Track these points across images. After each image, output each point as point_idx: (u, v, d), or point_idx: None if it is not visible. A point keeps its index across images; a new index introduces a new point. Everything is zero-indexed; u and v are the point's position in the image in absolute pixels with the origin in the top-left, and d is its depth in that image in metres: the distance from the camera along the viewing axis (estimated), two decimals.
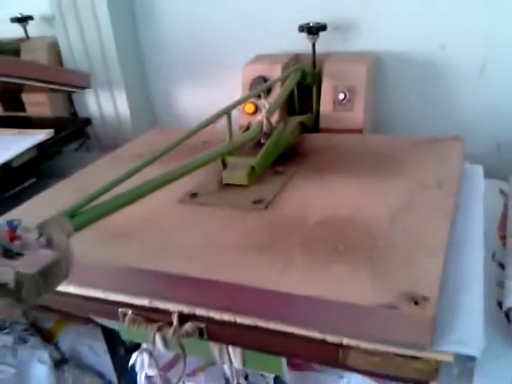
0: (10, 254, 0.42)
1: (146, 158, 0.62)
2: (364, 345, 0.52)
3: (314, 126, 1.03)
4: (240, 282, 0.57)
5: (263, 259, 0.61)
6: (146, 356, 0.82)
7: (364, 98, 0.98)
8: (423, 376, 0.51)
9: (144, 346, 0.79)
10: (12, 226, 0.43)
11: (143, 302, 0.65)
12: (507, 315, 0.63)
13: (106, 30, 1.27)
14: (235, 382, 0.83)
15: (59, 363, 1.25)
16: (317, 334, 0.55)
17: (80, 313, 0.73)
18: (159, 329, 0.63)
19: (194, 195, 0.78)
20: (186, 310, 0.62)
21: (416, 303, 0.49)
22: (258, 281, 0.57)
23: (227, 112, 0.75)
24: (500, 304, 0.65)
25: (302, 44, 1.09)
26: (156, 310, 0.64)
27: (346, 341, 0.53)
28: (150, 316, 0.64)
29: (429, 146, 0.85)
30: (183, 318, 0.62)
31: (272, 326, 0.57)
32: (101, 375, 1.25)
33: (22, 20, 1.40)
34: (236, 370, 0.83)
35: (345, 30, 1.09)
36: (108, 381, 1.24)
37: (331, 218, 0.68)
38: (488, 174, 0.90)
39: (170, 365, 0.86)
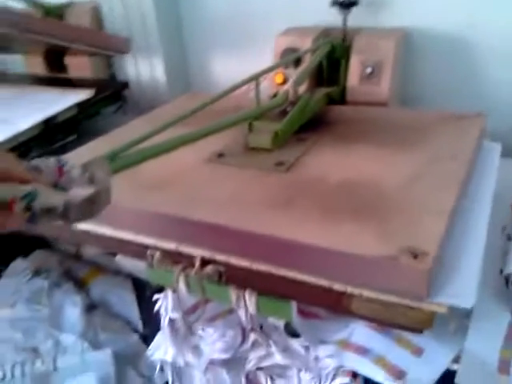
0: (58, 187, 0.49)
1: (176, 117, 0.68)
2: (366, 293, 0.58)
3: (340, 98, 1.07)
4: (257, 231, 0.63)
5: (280, 213, 0.66)
6: (170, 299, 0.90)
7: (390, 73, 1.01)
8: (418, 325, 0.56)
9: (169, 290, 0.86)
10: (60, 164, 0.50)
11: (170, 245, 0.71)
12: (507, 280, 0.67)
13: None
14: (249, 328, 0.90)
15: (89, 308, 1.36)
16: (324, 282, 0.60)
17: (118, 251, 0.80)
18: (183, 270, 0.69)
19: (220, 155, 0.84)
20: (207, 254, 0.68)
21: (415, 257, 0.54)
22: (273, 231, 0.62)
23: (255, 78, 0.80)
24: (501, 271, 0.69)
25: (333, 18, 1.11)
26: (181, 254, 0.71)
27: (350, 289, 0.59)
28: (176, 259, 0.71)
29: (450, 121, 0.88)
30: (205, 262, 0.68)
31: (284, 272, 0.63)
32: (128, 322, 1.35)
33: None
34: (252, 319, 0.90)
35: (376, 5, 1.11)
36: (134, 327, 1.33)
37: (348, 181, 0.72)
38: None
39: (192, 309, 0.93)
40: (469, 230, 0.65)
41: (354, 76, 1.05)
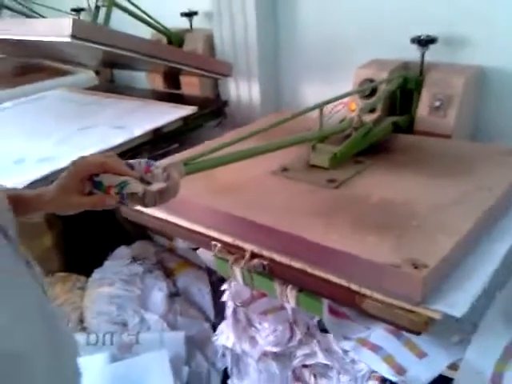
0: (143, 180, 0.66)
1: (244, 132, 0.83)
2: (375, 295, 0.68)
3: (408, 128, 1.15)
4: (297, 233, 0.76)
5: (319, 222, 0.79)
6: (232, 289, 1.05)
7: (458, 107, 1.08)
8: (415, 327, 0.65)
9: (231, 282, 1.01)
10: (148, 164, 0.68)
11: (228, 239, 0.86)
12: None
13: (251, 29, 1.50)
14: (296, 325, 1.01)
15: (173, 295, 1.56)
16: (344, 282, 0.71)
17: (187, 239, 0.97)
18: (235, 260, 0.84)
19: (284, 170, 0.98)
20: (256, 249, 0.83)
21: (416, 267, 0.63)
22: (309, 235, 0.75)
23: (320, 106, 0.93)
24: None
25: (414, 53, 1.20)
26: (236, 247, 0.85)
27: (363, 290, 0.69)
28: (232, 250, 0.85)
29: (501, 157, 0.93)
30: (253, 256, 0.82)
31: (314, 271, 0.75)
32: (203, 311, 1.53)
33: (189, 15, 1.70)
34: (298, 317, 1.01)
35: (454, 43, 1.18)
36: (207, 317, 1.50)
37: (385, 200, 0.83)
38: None
39: (249, 301, 1.07)
40: (484, 255, 0.72)
41: (423, 108, 1.13)
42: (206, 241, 0.90)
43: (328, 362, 0.97)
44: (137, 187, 0.62)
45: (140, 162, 0.67)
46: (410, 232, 0.72)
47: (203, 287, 1.56)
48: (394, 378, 0.71)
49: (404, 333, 0.74)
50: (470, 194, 0.81)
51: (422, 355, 0.71)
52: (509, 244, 0.74)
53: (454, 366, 0.70)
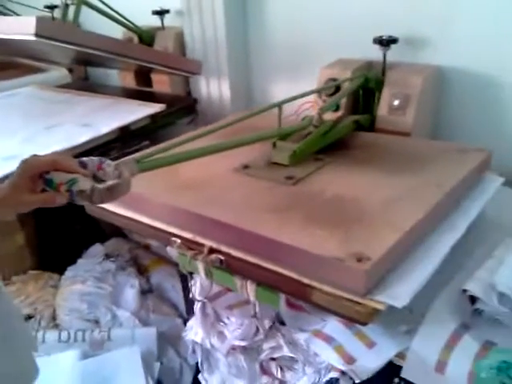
0: (96, 178, 0.68)
1: (202, 130, 0.85)
2: (325, 287, 0.70)
3: (370, 126, 1.18)
4: (252, 230, 0.78)
5: (274, 218, 0.81)
6: (197, 285, 1.07)
7: (416, 106, 1.11)
8: (361, 318, 0.67)
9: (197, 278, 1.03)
10: (101, 161, 0.69)
11: (188, 235, 0.88)
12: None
13: (221, 27, 1.52)
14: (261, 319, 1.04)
15: (146, 292, 1.57)
16: (296, 276, 0.74)
17: (148, 236, 0.99)
18: (194, 255, 0.86)
19: (246, 167, 1.00)
20: (214, 245, 0.85)
21: (359, 260, 0.66)
22: (263, 231, 0.77)
23: (279, 105, 0.95)
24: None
25: (377, 53, 1.23)
26: (196, 243, 0.87)
27: (313, 283, 0.71)
28: (192, 246, 0.87)
29: (453, 153, 0.97)
30: (212, 251, 0.84)
31: (268, 265, 0.77)
32: (175, 307, 1.54)
33: (161, 13, 1.70)
34: (263, 312, 1.03)
35: (414, 44, 1.21)
36: (180, 312, 1.52)
37: (338, 196, 0.85)
38: None
39: (215, 296, 1.09)
40: (431, 248, 0.75)
41: (383, 106, 1.16)
42: (166, 237, 0.92)
43: (293, 355, 1.00)
44: (85, 184, 0.63)
45: (92, 160, 0.68)
46: (356, 226, 0.75)
47: (176, 284, 1.58)
48: (343, 368, 0.74)
49: (356, 324, 0.76)
50: (420, 189, 0.84)
51: (371, 345, 0.74)
52: (455, 238, 0.78)
53: (401, 355, 0.73)
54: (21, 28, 1.10)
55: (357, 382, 0.73)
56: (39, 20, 1.08)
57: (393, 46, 1.20)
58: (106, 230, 1.75)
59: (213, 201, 0.89)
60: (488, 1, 1.11)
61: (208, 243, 0.85)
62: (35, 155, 0.65)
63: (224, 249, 0.83)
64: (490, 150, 0.99)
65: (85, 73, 2.16)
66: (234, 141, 0.89)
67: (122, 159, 0.73)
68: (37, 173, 0.63)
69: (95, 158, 0.70)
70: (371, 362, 0.72)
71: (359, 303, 0.67)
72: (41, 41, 1.10)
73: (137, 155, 0.78)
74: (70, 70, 2.04)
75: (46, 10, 2.07)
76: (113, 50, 1.28)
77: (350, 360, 0.73)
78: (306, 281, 0.72)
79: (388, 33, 1.21)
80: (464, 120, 1.22)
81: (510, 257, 0.78)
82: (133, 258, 1.71)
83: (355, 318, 0.68)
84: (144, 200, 0.91)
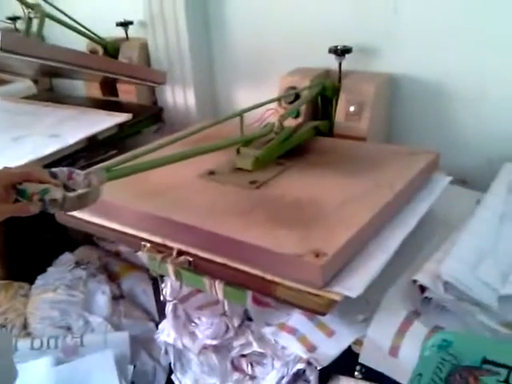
0: (66, 187, 0.72)
1: (168, 138, 0.90)
2: (287, 283, 0.76)
3: (329, 131, 1.25)
4: (218, 231, 0.83)
5: (239, 220, 0.86)
6: (168, 287, 1.11)
7: (370, 112, 1.19)
8: (321, 308, 0.73)
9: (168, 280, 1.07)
10: (70, 171, 0.73)
11: (157, 239, 0.93)
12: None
13: (184, 37, 1.57)
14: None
15: (117, 297, 1.59)
16: (260, 273, 0.79)
17: (118, 241, 1.02)
18: (163, 258, 0.90)
19: (211, 173, 1.05)
20: (183, 248, 0.89)
21: (317, 256, 0.72)
22: (228, 232, 0.82)
23: (240, 114, 1.01)
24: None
25: (333, 62, 1.30)
26: (165, 246, 0.92)
27: (275, 279, 0.77)
28: (161, 249, 0.92)
29: (404, 156, 1.04)
30: (180, 253, 0.89)
31: (235, 264, 0.82)
32: (147, 311, 1.57)
33: (125, 24, 1.74)
34: (233, 310, 1.08)
35: (367, 53, 1.29)
36: (152, 317, 1.55)
37: (298, 199, 0.91)
38: (479, 186, 1.09)
39: (186, 297, 1.13)
40: (383, 244, 0.82)
41: (340, 113, 1.24)
42: (136, 242, 0.96)
43: (262, 350, 1.05)
44: (56, 194, 0.67)
45: (62, 170, 0.73)
46: (314, 225, 0.81)
47: (147, 288, 1.61)
48: (305, 356, 0.80)
49: (317, 316, 0.82)
50: (372, 190, 0.91)
51: (330, 334, 0.81)
52: (405, 233, 0.85)
53: (358, 342, 0.79)
54: None
55: (319, 368, 0.79)
56: (4, 35, 1.11)
57: (347, 56, 1.27)
58: (76, 238, 1.77)
59: (180, 205, 0.94)
60: (433, 13, 1.19)
61: (176, 246, 0.90)
62: (6, 167, 0.69)
63: (192, 251, 0.88)
64: (438, 152, 1.07)
65: (50, 84, 2.17)
66: (200, 148, 0.94)
67: (91, 168, 0.78)
68: (9, 184, 0.67)
69: (65, 169, 0.75)
70: (331, 349, 0.78)
71: (318, 295, 0.73)
72: (5, 55, 1.13)
73: (105, 164, 0.82)
74: (35, 81, 2.04)
75: (8, 21, 2.08)
76: (78, 62, 1.31)
77: (311, 348, 0.80)
78: (269, 277, 0.78)
79: (343, 43, 1.28)
80: (415, 125, 1.31)
81: (455, 249, 0.85)
82: (103, 265, 1.73)
83: (315, 309, 0.74)
84: (113, 207, 0.95)
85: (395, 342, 0.76)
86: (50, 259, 1.65)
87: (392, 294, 0.83)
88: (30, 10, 1.44)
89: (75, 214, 1.03)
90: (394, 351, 0.75)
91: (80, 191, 0.70)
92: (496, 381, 0.51)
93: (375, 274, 0.75)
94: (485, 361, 0.55)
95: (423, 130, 1.30)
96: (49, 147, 1.28)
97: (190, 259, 0.87)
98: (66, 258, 1.70)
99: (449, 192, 1.06)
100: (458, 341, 0.59)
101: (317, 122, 1.24)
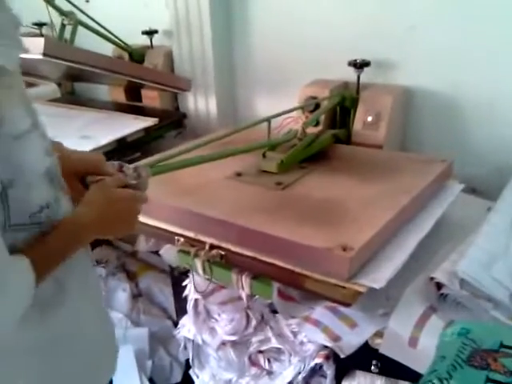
0: None
1: (201, 140, 0.97)
2: (315, 275, 0.82)
3: (347, 139, 1.32)
4: (249, 226, 0.90)
5: (268, 217, 0.93)
6: (193, 282, 1.17)
7: (387, 122, 1.26)
8: (347, 299, 0.80)
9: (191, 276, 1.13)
10: (120, 165, 0.80)
11: (190, 234, 0.99)
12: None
13: (208, 47, 1.65)
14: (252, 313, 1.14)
15: (135, 296, 1.65)
16: (289, 266, 0.85)
17: (152, 237, 1.09)
18: (196, 252, 0.96)
19: (238, 174, 1.12)
20: (215, 242, 0.96)
21: (344, 250, 0.78)
22: (259, 226, 0.89)
23: (268, 120, 1.08)
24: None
25: (352, 74, 1.37)
26: (198, 241, 0.98)
27: (304, 271, 0.83)
28: (194, 244, 0.98)
29: (419, 164, 1.11)
30: (212, 247, 0.95)
31: (265, 258, 0.89)
32: (164, 310, 1.63)
33: (150, 33, 1.81)
34: (254, 306, 1.13)
35: (384, 67, 1.36)
36: (169, 315, 1.61)
37: (324, 199, 0.98)
38: (488, 195, 1.15)
39: (210, 293, 1.18)
40: (401, 243, 0.88)
41: (358, 122, 1.30)
42: (169, 237, 1.02)
43: (280, 346, 1.10)
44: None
45: (113, 164, 0.79)
46: (340, 224, 0.88)
47: (164, 288, 1.66)
48: (330, 344, 0.86)
49: (340, 309, 0.88)
50: (389, 195, 0.98)
51: (353, 326, 0.86)
52: (422, 235, 0.91)
53: (379, 334, 0.85)
54: (29, 48, 1.19)
55: (342, 356, 0.85)
56: (47, 41, 1.18)
57: (366, 69, 1.35)
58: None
59: (211, 203, 1.00)
60: (447, 29, 1.26)
61: (209, 240, 0.96)
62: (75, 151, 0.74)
63: (223, 245, 0.95)
64: (451, 160, 1.13)
65: (72, 87, 2.25)
66: (230, 150, 1.01)
67: (136, 163, 0.84)
68: (73, 173, 0.71)
69: (115, 162, 0.81)
70: (354, 339, 0.84)
71: (344, 287, 0.79)
72: (47, 59, 1.20)
73: (146, 161, 0.89)
74: (59, 85, 2.12)
75: (35, 27, 2.16)
76: (112, 67, 1.39)
77: (336, 338, 0.85)
78: (298, 270, 0.84)
79: (361, 56, 1.35)
80: (429, 134, 1.37)
81: (470, 250, 0.91)
82: (121, 264, 1.80)
83: (341, 300, 0.80)
84: (151, 203, 1.02)
85: (414, 334, 0.81)
86: None
87: (411, 291, 0.89)
88: (63, 18, 1.52)
89: None
90: (413, 342, 0.81)
91: (134, 181, 0.76)
92: None
93: (396, 270, 0.81)
94: (502, 345, 0.60)
95: (436, 140, 1.36)
96: (82, 148, 1.34)
97: (222, 253, 0.94)
98: None
99: (460, 199, 1.12)
100: (476, 328, 0.64)
101: (335, 130, 1.31)
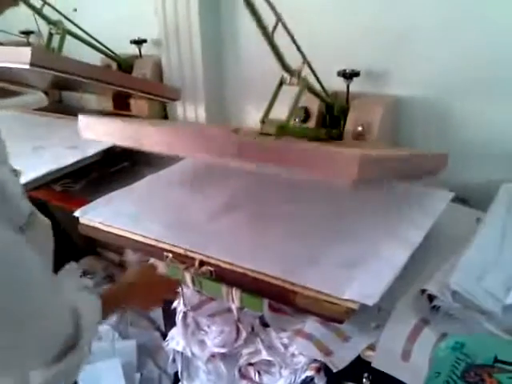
0: None
1: None
2: (305, 292, 0.81)
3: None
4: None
5: None
6: (182, 295, 1.15)
7: (377, 131, 1.25)
8: (338, 316, 0.78)
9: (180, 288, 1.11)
10: None
11: (180, 250, 0.98)
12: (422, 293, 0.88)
13: (197, 54, 1.63)
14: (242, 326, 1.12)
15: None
16: (279, 282, 0.84)
17: (141, 252, 1.07)
18: (186, 267, 0.95)
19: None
20: (204, 258, 0.94)
21: None
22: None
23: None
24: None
25: (341, 84, 1.37)
26: (186, 256, 0.97)
27: (295, 288, 0.82)
28: (183, 260, 0.97)
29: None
30: (202, 263, 0.94)
31: (255, 274, 0.88)
32: (152, 321, 1.61)
33: (139, 42, 1.81)
34: (244, 319, 1.12)
35: (374, 76, 1.37)
36: (157, 327, 1.59)
37: None
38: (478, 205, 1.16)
39: (198, 305, 1.17)
40: (391, 258, 0.88)
41: (348, 132, 1.30)
42: (159, 252, 1.00)
43: (271, 358, 1.09)
44: None
45: None
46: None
47: None
48: (322, 359, 0.85)
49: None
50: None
51: (346, 339, 0.86)
52: (412, 249, 0.91)
53: (371, 347, 0.84)
54: (16, 58, 1.18)
55: (334, 371, 0.83)
56: (34, 51, 1.16)
57: (355, 79, 1.35)
58: (81, 247, 1.80)
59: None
60: (439, 38, 1.27)
61: (197, 256, 0.95)
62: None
63: (212, 261, 0.93)
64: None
65: (59, 96, 2.22)
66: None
67: None
68: None
69: None
70: (347, 353, 0.83)
71: (336, 304, 0.78)
72: (35, 69, 1.18)
73: None
74: (46, 93, 2.10)
75: (22, 35, 2.13)
76: (100, 77, 1.37)
77: (328, 352, 0.84)
78: (288, 286, 0.83)
79: (350, 66, 1.35)
80: (419, 143, 1.37)
81: (461, 262, 0.91)
82: (109, 275, 1.77)
83: (333, 317, 0.79)
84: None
85: (407, 348, 0.81)
86: (55, 267, 1.68)
87: (402, 303, 0.88)
88: (51, 26, 1.50)
89: (98, 225, 1.08)
90: (405, 356, 0.80)
91: None
92: (508, 378, 0.57)
93: (388, 285, 0.80)
94: (496, 360, 0.60)
95: (427, 149, 1.36)
96: (69, 158, 1.33)
97: (212, 269, 0.92)
98: (72, 267, 1.74)
99: (450, 209, 1.12)
100: (470, 342, 0.64)
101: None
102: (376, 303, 0.77)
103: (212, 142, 0.91)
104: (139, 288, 0.86)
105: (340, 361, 0.83)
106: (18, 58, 1.18)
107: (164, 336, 1.49)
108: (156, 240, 1.02)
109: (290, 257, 0.92)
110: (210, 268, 0.93)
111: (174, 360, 1.36)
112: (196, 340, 1.23)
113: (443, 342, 0.68)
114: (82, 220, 1.15)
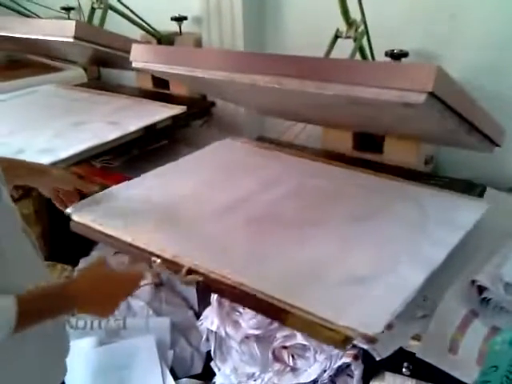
0: None
1: None
2: (297, 312, 0.74)
3: None
4: None
5: None
6: None
7: None
8: (332, 344, 0.70)
9: None
10: None
11: (167, 255, 0.91)
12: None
13: (239, 33, 1.60)
14: None
15: (158, 285, 1.64)
16: (267, 299, 0.77)
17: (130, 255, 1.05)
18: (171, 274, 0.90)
19: None
20: (193, 266, 0.87)
21: None
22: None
23: None
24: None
25: None
26: (174, 262, 0.90)
27: (287, 307, 0.75)
28: (170, 266, 0.90)
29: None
30: (189, 272, 0.87)
31: (243, 287, 0.80)
32: (186, 300, 1.61)
33: (179, 19, 1.78)
34: None
35: (422, 58, 1.31)
36: (191, 305, 1.59)
37: None
38: None
39: None
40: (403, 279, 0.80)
41: None
42: (146, 256, 0.93)
43: (305, 343, 1.07)
44: None
45: None
46: None
47: None
48: (366, 346, 0.82)
49: None
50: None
51: (390, 327, 0.82)
52: (425, 275, 0.80)
53: (416, 337, 0.81)
54: (60, 31, 1.17)
55: (378, 359, 0.81)
56: (78, 24, 1.16)
57: (403, 59, 1.29)
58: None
59: None
60: (488, 17, 1.21)
61: (186, 264, 0.87)
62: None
63: (202, 270, 0.85)
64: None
65: (98, 72, 2.23)
66: None
67: None
68: None
69: None
70: (391, 342, 0.80)
71: (333, 330, 0.69)
72: (78, 43, 1.17)
73: None
74: (85, 69, 2.10)
75: (63, 11, 2.14)
76: None
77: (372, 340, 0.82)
78: (280, 305, 0.75)
79: (399, 46, 1.30)
80: None
81: None
82: None
83: (325, 343, 0.73)
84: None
85: (455, 340, 0.78)
86: (91, 244, 1.70)
87: (451, 294, 0.85)
88: (94, 1, 1.49)
89: (88, 223, 1.05)
90: (454, 348, 0.77)
91: None
92: None
93: (397, 311, 0.73)
94: None
95: None
96: (110, 133, 1.32)
97: (200, 278, 0.85)
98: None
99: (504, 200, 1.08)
100: None
101: None
102: (420, 288, 0.73)
103: (273, 62, 0.88)
104: (84, 289, 0.71)
105: (384, 349, 0.81)
106: (62, 32, 1.18)
107: (197, 315, 1.50)
108: (145, 243, 0.95)
109: (286, 269, 0.84)
110: (197, 277, 0.86)
111: (207, 339, 1.36)
112: (230, 320, 1.23)
113: (498, 336, 0.64)
114: (74, 217, 1.08)
